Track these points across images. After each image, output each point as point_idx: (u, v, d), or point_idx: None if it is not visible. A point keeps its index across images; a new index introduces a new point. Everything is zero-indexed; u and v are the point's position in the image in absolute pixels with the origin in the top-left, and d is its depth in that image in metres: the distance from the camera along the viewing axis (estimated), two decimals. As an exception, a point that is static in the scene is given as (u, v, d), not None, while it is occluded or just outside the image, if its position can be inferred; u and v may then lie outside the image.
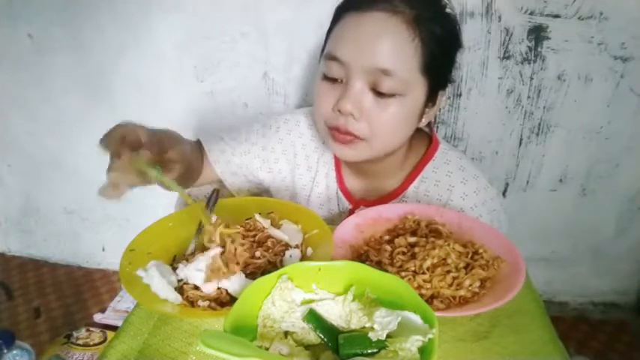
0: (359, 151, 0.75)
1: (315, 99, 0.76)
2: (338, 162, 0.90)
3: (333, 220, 0.91)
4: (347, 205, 0.90)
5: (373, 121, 0.71)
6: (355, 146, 0.74)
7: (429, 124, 0.89)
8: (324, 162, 0.91)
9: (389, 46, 0.68)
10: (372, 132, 0.72)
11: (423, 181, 0.84)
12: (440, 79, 0.75)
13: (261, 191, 0.98)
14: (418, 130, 0.86)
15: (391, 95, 0.70)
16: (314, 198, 0.92)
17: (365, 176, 0.88)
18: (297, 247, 0.69)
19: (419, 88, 0.72)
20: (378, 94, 0.70)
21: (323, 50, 0.76)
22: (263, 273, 0.62)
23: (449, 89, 1.24)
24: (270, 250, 0.68)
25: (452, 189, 0.81)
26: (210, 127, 1.39)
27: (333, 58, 0.71)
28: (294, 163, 0.92)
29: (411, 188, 0.84)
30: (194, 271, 0.61)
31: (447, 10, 0.73)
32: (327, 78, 0.73)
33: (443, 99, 0.80)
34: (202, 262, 0.62)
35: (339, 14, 0.74)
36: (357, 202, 0.89)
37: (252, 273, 0.64)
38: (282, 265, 0.64)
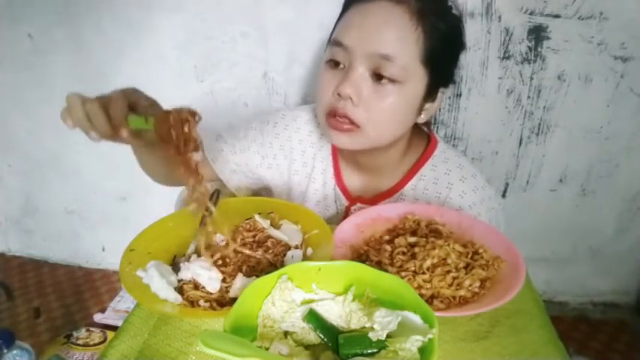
0: (354, 139, 0.75)
1: (318, 86, 0.78)
2: (336, 159, 0.90)
3: (330, 218, 0.91)
4: (344, 202, 0.90)
5: (371, 107, 0.72)
6: (351, 134, 0.75)
7: (427, 124, 0.89)
8: (321, 158, 0.91)
9: (392, 33, 0.70)
10: (369, 119, 0.73)
11: (422, 179, 0.84)
12: (441, 74, 0.76)
13: (260, 188, 0.98)
14: (417, 130, 0.87)
15: (391, 82, 0.71)
16: (310, 194, 0.92)
17: (363, 173, 0.88)
18: (297, 247, 0.69)
19: (418, 79, 0.73)
20: (378, 81, 0.71)
21: (329, 41, 0.77)
22: (263, 273, 0.62)
23: (450, 89, 1.24)
24: (271, 251, 0.68)
25: (451, 187, 0.81)
26: (211, 127, 1.38)
27: (337, 43, 0.73)
28: (290, 159, 0.92)
29: (409, 186, 0.85)
30: (199, 269, 0.61)
31: (453, 10, 0.75)
32: (331, 65, 0.75)
33: (443, 97, 0.80)
34: (207, 260, 0.62)
35: (347, 5, 0.75)
36: (354, 200, 0.89)
37: (253, 273, 0.64)
38: (282, 266, 0.64)
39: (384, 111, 0.73)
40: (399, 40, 0.70)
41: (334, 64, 0.74)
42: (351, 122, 0.73)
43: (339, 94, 0.72)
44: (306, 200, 0.92)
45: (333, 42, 0.74)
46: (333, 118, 0.74)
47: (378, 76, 0.71)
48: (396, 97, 0.72)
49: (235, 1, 1.22)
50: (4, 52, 1.42)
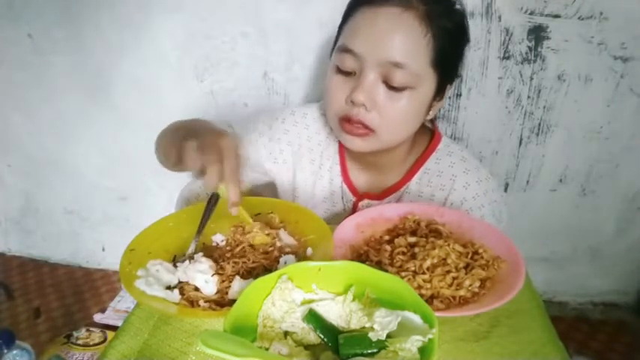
0: (368, 142, 0.77)
1: (328, 91, 0.78)
2: (342, 156, 0.91)
3: (337, 214, 0.93)
4: (351, 198, 0.91)
5: (384, 112, 0.74)
6: (365, 138, 0.76)
7: (431, 119, 0.90)
8: (327, 155, 0.92)
9: (402, 40, 0.70)
10: (382, 123, 0.74)
11: (426, 173, 0.86)
12: (449, 73, 0.78)
13: (265, 185, 0.98)
14: (421, 125, 0.88)
15: (403, 88, 0.72)
16: (318, 191, 0.93)
17: (369, 169, 0.90)
18: (290, 252, 0.69)
19: (429, 81, 0.74)
20: (390, 86, 0.72)
21: (335, 43, 0.78)
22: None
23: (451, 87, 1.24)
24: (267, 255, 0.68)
25: (454, 178, 0.83)
26: (210, 127, 1.39)
27: (347, 50, 0.73)
28: (298, 155, 0.93)
29: (414, 180, 0.86)
30: (195, 273, 0.61)
31: (456, 6, 0.76)
32: (341, 71, 0.75)
33: (449, 93, 0.82)
34: (205, 263, 0.62)
35: (352, 7, 0.76)
36: (361, 196, 0.90)
37: (249, 277, 0.64)
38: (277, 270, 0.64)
39: (397, 115, 0.74)
40: (409, 48, 0.70)
41: (345, 71, 0.74)
42: (366, 127, 0.75)
43: (352, 102, 0.73)
44: (314, 196, 0.93)
45: (342, 48, 0.74)
46: (348, 123, 0.76)
47: (389, 83, 0.72)
48: (409, 100, 0.73)
49: (235, 1, 1.22)
50: (4, 52, 1.42)
